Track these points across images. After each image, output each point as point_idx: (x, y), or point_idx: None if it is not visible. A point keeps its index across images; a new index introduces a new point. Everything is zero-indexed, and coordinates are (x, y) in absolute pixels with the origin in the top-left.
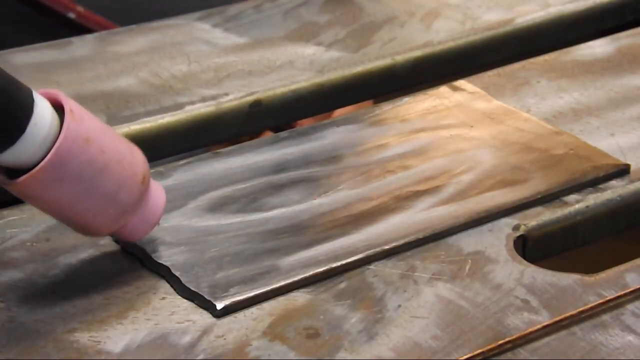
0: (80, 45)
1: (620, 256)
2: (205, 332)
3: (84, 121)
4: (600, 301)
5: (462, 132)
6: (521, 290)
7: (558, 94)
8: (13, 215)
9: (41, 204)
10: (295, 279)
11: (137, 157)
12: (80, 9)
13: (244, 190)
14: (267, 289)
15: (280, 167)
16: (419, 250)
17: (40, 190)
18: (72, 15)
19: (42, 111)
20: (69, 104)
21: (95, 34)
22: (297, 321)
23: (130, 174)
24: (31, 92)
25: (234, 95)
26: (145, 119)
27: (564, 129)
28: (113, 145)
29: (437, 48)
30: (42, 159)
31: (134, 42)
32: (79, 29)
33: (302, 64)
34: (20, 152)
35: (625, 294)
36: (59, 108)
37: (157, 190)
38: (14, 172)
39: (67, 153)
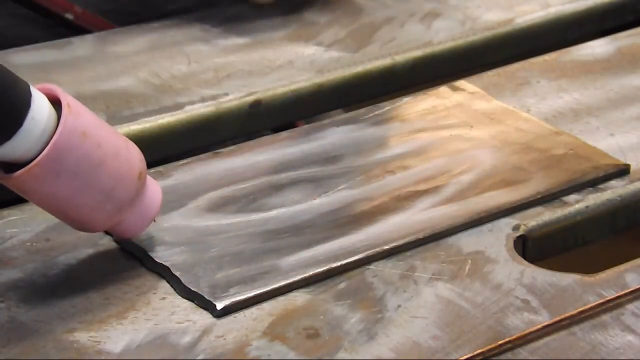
0: (80, 45)
1: (620, 256)
2: (205, 332)
3: (80, 115)
4: (600, 301)
5: (462, 132)
6: (521, 290)
7: (558, 94)
8: (13, 215)
9: (37, 198)
10: (295, 279)
11: (133, 153)
12: (78, 9)
13: (244, 190)
14: (267, 289)
15: (280, 167)
16: (419, 250)
17: (37, 184)
18: (69, 15)
19: (40, 106)
20: (66, 99)
21: (95, 34)
22: (297, 321)
23: (126, 169)
24: (28, 87)
25: (234, 95)
26: (145, 119)
27: (564, 129)
28: (109, 139)
29: (437, 48)
30: (39, 153)
31: (134, 42)
32: (77, 29)
33: (302, 64)
34: (17, 146)
35: (625, 294)
36: (56, 103)
37: (154, 186)
38: (11, 166)
39: (64, 147)
